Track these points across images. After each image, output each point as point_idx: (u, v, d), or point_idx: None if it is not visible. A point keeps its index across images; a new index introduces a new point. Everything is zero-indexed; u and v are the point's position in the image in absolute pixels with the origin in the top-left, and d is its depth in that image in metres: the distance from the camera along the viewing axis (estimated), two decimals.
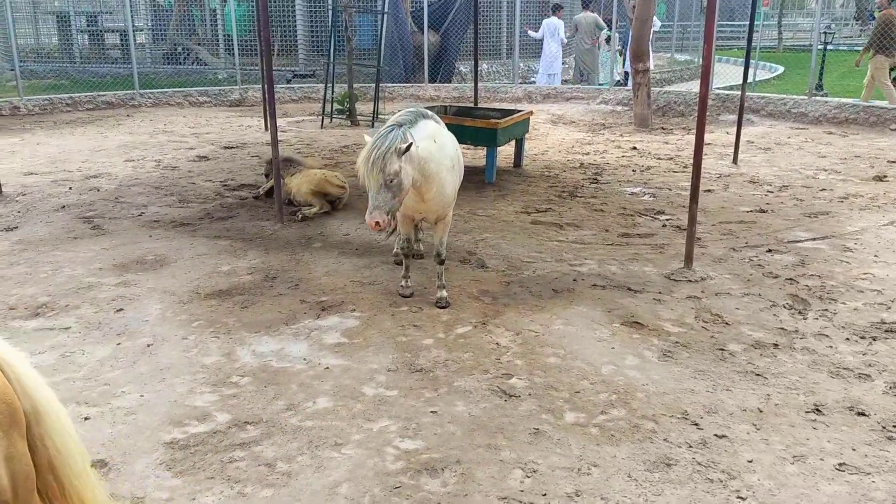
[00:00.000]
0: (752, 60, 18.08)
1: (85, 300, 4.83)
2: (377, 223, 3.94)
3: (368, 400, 3.60)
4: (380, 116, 12.36)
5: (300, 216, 6.67)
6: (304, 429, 3.36)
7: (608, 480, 2.98)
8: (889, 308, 4.66)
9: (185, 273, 5.33)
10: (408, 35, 16.49)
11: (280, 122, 12.01)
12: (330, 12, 12.16)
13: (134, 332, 4.37)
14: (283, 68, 16.64)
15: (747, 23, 10.11)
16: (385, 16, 13.73)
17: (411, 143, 4.02)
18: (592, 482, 2.97)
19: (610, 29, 16.36)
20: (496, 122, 8.08)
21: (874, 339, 4.22)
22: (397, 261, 5.47)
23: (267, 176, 7.54)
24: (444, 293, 4.74)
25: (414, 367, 3.92)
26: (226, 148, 10.27)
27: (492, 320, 4.51)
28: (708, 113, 13.60)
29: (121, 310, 4.69)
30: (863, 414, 3.45)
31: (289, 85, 15.93)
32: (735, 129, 9.52)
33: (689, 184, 5.39)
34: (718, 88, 14.60)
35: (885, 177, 8.35)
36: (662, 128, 12.37)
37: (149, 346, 4.19)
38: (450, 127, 5.11)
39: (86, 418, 3.43)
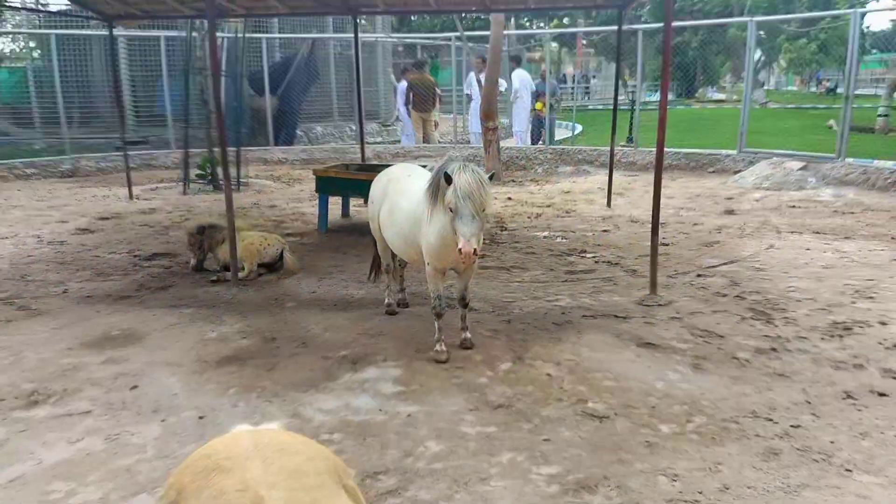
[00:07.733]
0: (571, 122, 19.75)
1: (82, 382, 4.39)
2: (475, 251, 4.03)
3: (475, 438, 3.68)
4: (243, 180, 12.09)
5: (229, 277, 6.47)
6: (437, 471, 3.37)
7: (740, 473, 3.33)
8: (831, 312, 5.51)
9: (171, 343, 5.00)
10: (245, 98, 16.27)
11: (135, 189, 11.37)
12: (185, 76, 11.76)
13: (170, 406, 4.06)
14: (110, 137, 15.63)
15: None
16: (228, 78, 13.49)
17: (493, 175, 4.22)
18: (729, 477, 3.30)
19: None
20: None
21: (841, 337, 4.99)
22: (390, 311, 5.53)
23: (193, 246, 7.01)
24: (468, 334, 4.89)
25: (492, 404, 4.04)
26: (102, 219, 9.52)
27: (524, 355, 4.73)
28: (546, 165, 14.91)
29: (135, 387, 4.32)
30: (884, 395, 4.12)
31: (118, 153, 14.97)
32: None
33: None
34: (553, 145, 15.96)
35: (734, 211, 9.67)
36: (512, 180, 13.21)
37: (201, 418, 3.92)
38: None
39: None
